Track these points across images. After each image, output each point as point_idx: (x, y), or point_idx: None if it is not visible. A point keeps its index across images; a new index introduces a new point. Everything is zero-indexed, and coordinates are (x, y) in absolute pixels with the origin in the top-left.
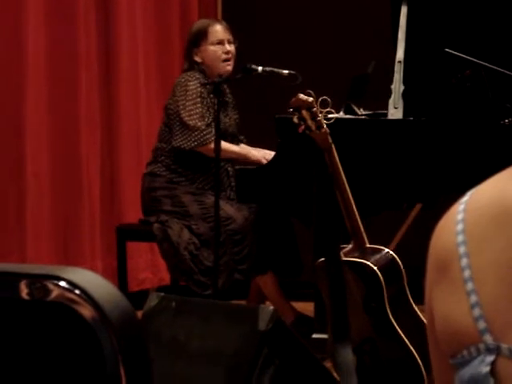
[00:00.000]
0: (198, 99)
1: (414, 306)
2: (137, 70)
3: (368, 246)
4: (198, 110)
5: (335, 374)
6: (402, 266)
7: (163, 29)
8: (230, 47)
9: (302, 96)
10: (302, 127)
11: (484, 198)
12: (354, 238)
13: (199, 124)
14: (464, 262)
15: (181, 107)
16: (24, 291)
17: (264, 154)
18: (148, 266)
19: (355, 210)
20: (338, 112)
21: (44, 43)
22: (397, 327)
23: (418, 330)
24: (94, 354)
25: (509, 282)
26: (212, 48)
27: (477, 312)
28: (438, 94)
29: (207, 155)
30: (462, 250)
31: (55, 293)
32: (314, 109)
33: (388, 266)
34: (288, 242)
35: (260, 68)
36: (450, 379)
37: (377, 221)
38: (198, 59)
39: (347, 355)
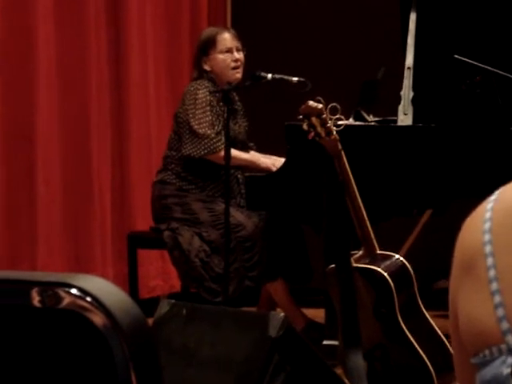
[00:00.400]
0: (208, 107)
1: (424, 311)
2: (147, 78)
3: (378, 252)
4: (207, 119)
5: (346, 381)
6: (412, 272)
7: (173, 36)
8: (239, 55)
9: (311, 103)
10: (312, 134)
11: (511, 198)
12: (365, 245)
13: (209, 132)
14: (489, 261)
15: (190, 116)
16: (36, 299)
17: (274, 161)
18: (159, 273)
19: (365, 217)
20: (347, 119)
21: (55, 51)
22: (407, 333)
23: (428, 336)
24: (105, 362)
25: None
26: (221, 56)
27: (500, 312)
28: (448, 100)
29: (217, 163)
30: (487, 249)
31: (67, 300)
32: (324, 116)
33: (398, 272)
34: (298, 249)
35: (269, 75)
36: (471, 378)
37: (387, 227)
38: (207, 67)
39: (358, 361)
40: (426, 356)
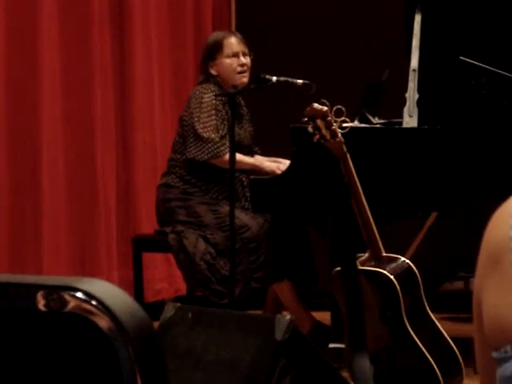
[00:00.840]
0: (213, 111)
1: (430, 314)
2: (151, 82)
3: (384, 254)
4: (212, 123)
5: None
6: (418, 275)
7: (177, 40)
8: (246, 59)
9: (316, 105)
10: (317, 136)
11: None
12: (370, 247)
13: (213, 136)
14: None
15: (195, 119)
16: (41, 302)
17: (278, 165)
18: (164, 276)
19: (371, 219)
20: (352, 121)
21: (59, 56)
22: (414, 336)
23: (434, 338)
24: (111, 365)
25: None
26: (227, 61)
27: None
28: (453, 102)
29: (221, 167)
30: None
31: (72, 304)
32: (329, 118)
33: (404, 274)
34: (303, 252)
35: (274, 78)
36: (492, 370)
37: (393, 229)
38: (213, 72)
39: (364, 364)
40: (433, 359)
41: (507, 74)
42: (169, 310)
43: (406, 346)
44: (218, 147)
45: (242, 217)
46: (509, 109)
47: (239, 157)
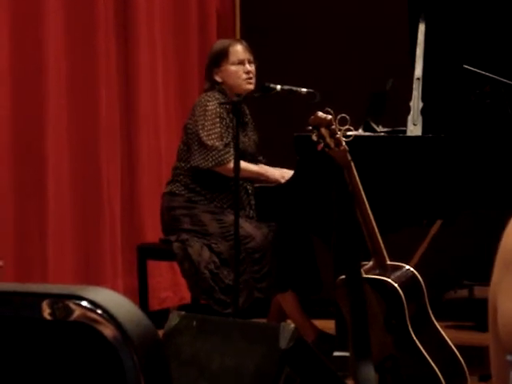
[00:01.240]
0: (217, 119)
1: (434, 322)
2: (156, 90)
3: (388, 263)
4: (216, 130)
5: None
6: (422, 283)
7: (182, 48)
8: (251, 67)
9: (320, 114)
10: (321, 145)
11: None
12: (375, 255)
13: (217, 144)
14: None
15: (199, 127)
16: (46, 311)
17: (282, 173)
18: (169, 284)
19: (375, 227)
20: (356, 129)
21: (65, 65)
22: (418, 344)
23: (439, 347)
24: (115, 373)
25: None
26: (233, 68)
27: None
28: (457, 110)
29: (225, 175)
30: None
31: (77, 312)
32: (333, 126)
33: (408, 282)
34: (307, 260)
35: (278, 86)
36: (508, 376)
37: (397, 237)
38: (218, 79)
39: (369, 373)
40: (437, 367)
41: None
42: (173, 319)
43: (411, 354)
44: (222, 155)
45: (247, 227)
46: None
47: (243, 164)
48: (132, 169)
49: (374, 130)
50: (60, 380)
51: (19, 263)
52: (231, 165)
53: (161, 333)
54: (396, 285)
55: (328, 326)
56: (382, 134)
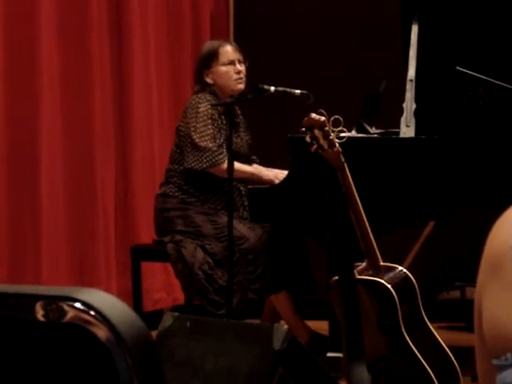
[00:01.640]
0: (209, 121)
1: (427, 323)
2: (150, 92)
3: (382, 264)
4: (209, 132)
5: None
6: (415, 284)
7: (176, 50)
8: (241, 67)
9: (314, 115)
10: (315, 146)
11: None
12: (368, 256)
13: (210, 145)
14: None
15: (192, 129)
16: (40, 313)
17: (276, 174)
18: (162, 285)
19: (368, 228)
20: (350, 131)
21: (58, 65)
22: (411, 345)
23: (432, 348)
24: (109, 375)
25: None
26: (224, 68)
27: None
28: (450, 112)
29: (219, 176)
30: None
31: (70, 314)
32: (326, 128)
33: (402, 283)
34: (301, 261)
35: (272, 88)
36: (493, 380)
37: (390, 239)
38: (209, 80)
39: (362, 374)
40: (430, 368)
41: (504, 85)
42: (167, 320)
43: (404, 355)
44: (215, 156)
45: (240, 228)
46: (506, 119)
47: (237, 165)
48: (126, 170)
49: (367, 132)
50: (53, 381)
51: (13, 265)
52: (225, 165)
53: (154, 334)
54: (389, 286)
55: (321, 326)
56: (376, 135)
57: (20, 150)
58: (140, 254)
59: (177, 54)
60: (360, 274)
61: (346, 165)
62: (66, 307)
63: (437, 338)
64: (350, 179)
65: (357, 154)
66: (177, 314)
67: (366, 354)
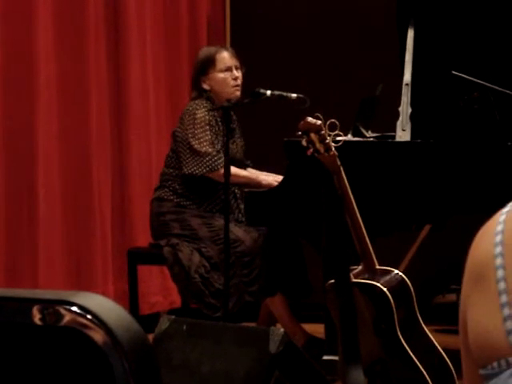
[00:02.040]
0: (207, 127)
1: (423, 326)
2: (147, 97)
3: (377, 267)
4: (207, 138)
5: None
6: (411, 287)
7: (173, 56)
8: (238, 73)
9: (310, 119)
10: (311, 150)
11: None
12: (364, 260)
13: (210, 150)
14: (500, 273)
15: (190, 135)
16: (36, 316)
17: (275, 178)
18: (159, 289)
19: (364, 232)
20: (346, 135)
21: (55, 67)
22: (407, 348)
23: (427, 351)
24: (106, 378)
25: None
26: (221, 75)
27: (509, 325)
28: (446, 116)
29: (218, 181)
30: (498, 261)
31: (67, 318)
32: (323, 132)
33: (397, 287)
34: (297, 264)
35: (268, 92)
36: None
37: (386, 242)
38: (206, 87)
39: (358, 377)
40: (426, 371)
41: (500, 89)
42: (163, 323)
43: (400, 358)
44: (215, 161)
45: (236, 231)
46: (501, 123)
47: (237, 170)
48: (123, 174)
49: (363, 136)
50: None
51: (9, 268)
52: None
53: (151, 337)
54: (385, 289)
55: (317, 330)
56: (371, 139)
57: (16, 153)
58: (136, 258)
59: (173, 57)
60: (356, 278)
61: (342, 168)
62: (62, 311)
63: (432, 341)
64: (346, 183)
65: (353, 158)
66: (173, 317)
67: (362, 357)
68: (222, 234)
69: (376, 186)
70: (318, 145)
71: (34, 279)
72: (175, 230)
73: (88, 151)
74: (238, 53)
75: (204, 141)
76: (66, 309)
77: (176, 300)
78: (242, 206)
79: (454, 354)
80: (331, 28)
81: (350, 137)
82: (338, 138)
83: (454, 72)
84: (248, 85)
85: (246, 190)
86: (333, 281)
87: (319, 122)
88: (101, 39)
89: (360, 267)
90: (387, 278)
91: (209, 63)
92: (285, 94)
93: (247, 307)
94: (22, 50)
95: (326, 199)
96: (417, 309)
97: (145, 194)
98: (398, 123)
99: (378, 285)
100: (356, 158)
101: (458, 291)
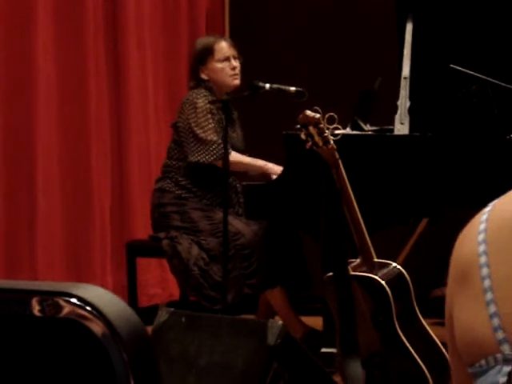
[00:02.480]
0: (209, 115)
1: (421, 319)
2: (146, 89)
3: (376, 260)
4: (210, 126)
5: None
6: (409, 280)
7: (171, 47)
8: (236, 63)
9: (309, 112)
10: (310, 143)
11: (505, 209)
12: (362, 253)
13: (215, 138)
14: (484, 271)
15: (193, 124)
16: (36, 308)
17: (279, 168)
18: (158, 281)
19: (363, 225)
20: (344, 128)
21: (54, 65)
22: (405, 341)
23: (425, 344)
24: (104, 370)
25: None
26: (219, 65)
27: (495, 322)
28: (444, 109)
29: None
30: (483, 259)
31: (66, 309)
32: (321, 125)
33: (395, 280)
34: (296, 257)
35: (267, 85)
36: None
37: (384, 235)
38: (204, 76)
39: (356, 369)
40: (424, 363)
41: (498, 82)
42: (162, 315)
43: (398, 350)
44: (221, 148)
45: (236, 223)
46: (499, 116)
47: (247, 158)
48: (122, 166)
49: (361, 129)
50: (49, 376)
51: (9, 260)
52: (231, 158)
53: (150, 329)
54: (383, 282)
55: (316, 322)
56: (370, 132)
57: (16, 146)
58: (135, 250)
59: (172, 50)
60: (354, 271)
61: (340, 161)
62: (62, 302)
63: (430, 334)
64: (345, 176)
65: (351, 151)
66: (172, 309)
67: (360, 349)
68: (221, 227)
69: (374, 180)
70: (316, 138)
71: (33, 271)
72: (175, 221)
73: (87, 144)
74: (237, 46)
75: (208, 129)
76: (65, 300)
77: (175, 292)
78: (242, 201)
79: None
80: (330, 21)
81: (348, 130)
82: (337, 132)
83: (452, 65)
84: (246, 78)
85: (243, 183)
86: (331, 274)
87: (318, 115)
88: (100, 32)
89: (358, 260)
90: (385, 270)
91: (207, 53)
92: (283, 87)
93: (246, 300)
94: (22, 46)
95: (324, 192)
96: (415, 302)
97: (144, 186)
98: (397, 117)
99: (376, 278)
100: (354, 152)
101: None
